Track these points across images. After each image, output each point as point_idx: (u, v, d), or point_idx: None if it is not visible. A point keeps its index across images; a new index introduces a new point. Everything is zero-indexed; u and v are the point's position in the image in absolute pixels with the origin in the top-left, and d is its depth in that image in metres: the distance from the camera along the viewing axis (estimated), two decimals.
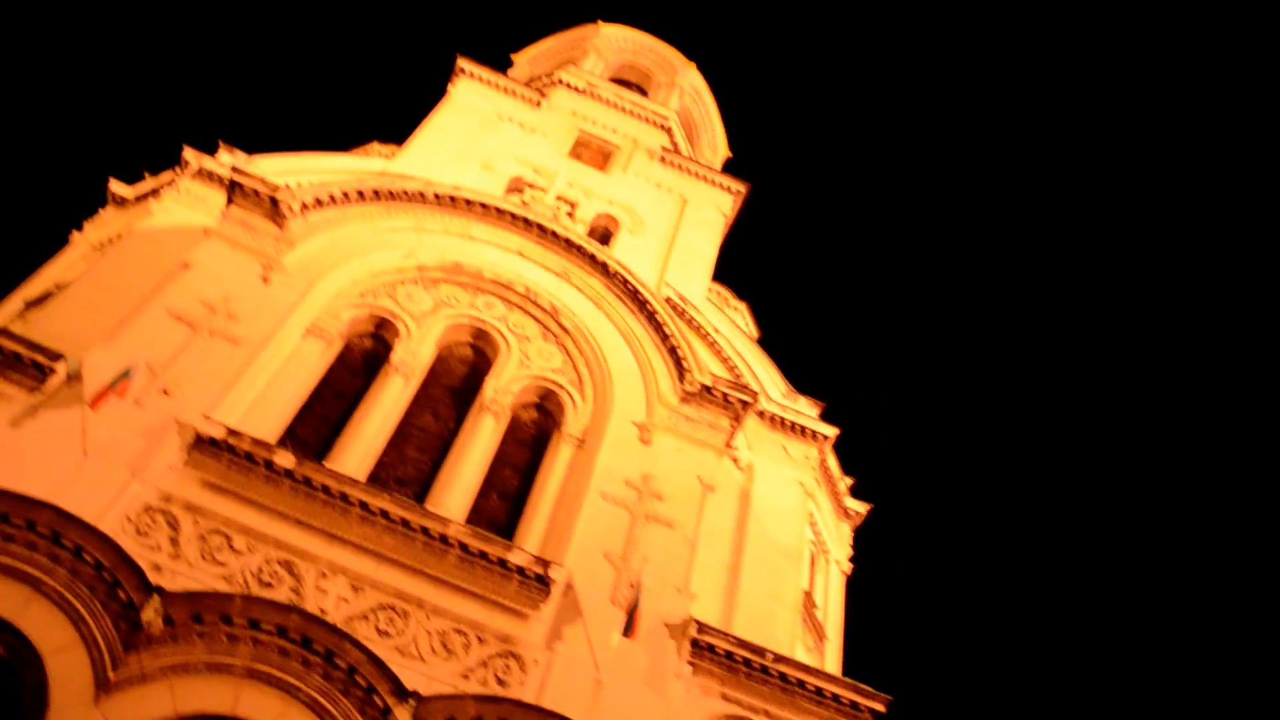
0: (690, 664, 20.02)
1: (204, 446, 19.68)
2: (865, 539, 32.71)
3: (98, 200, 32.02)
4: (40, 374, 19.82)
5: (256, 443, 20.02)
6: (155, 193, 29.69)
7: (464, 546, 19.85)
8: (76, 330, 21.91)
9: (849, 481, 31.79)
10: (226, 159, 28.13)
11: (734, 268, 44.59)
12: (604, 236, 33.20)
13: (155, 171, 31.71)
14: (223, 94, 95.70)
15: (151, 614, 16.12)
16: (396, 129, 35.58)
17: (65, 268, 28.78)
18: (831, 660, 28.00)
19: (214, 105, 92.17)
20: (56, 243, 30.32)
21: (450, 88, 37.30)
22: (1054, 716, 75.66)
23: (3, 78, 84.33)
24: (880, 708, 20.41)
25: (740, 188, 38.18)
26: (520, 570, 19.92)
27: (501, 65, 44.45)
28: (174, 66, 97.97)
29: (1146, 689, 74.84)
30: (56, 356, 20.00)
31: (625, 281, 27.69)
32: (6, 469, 17.66)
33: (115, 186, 31.90)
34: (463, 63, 37.87)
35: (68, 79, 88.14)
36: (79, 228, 30.94)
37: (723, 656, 20.28)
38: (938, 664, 75.64)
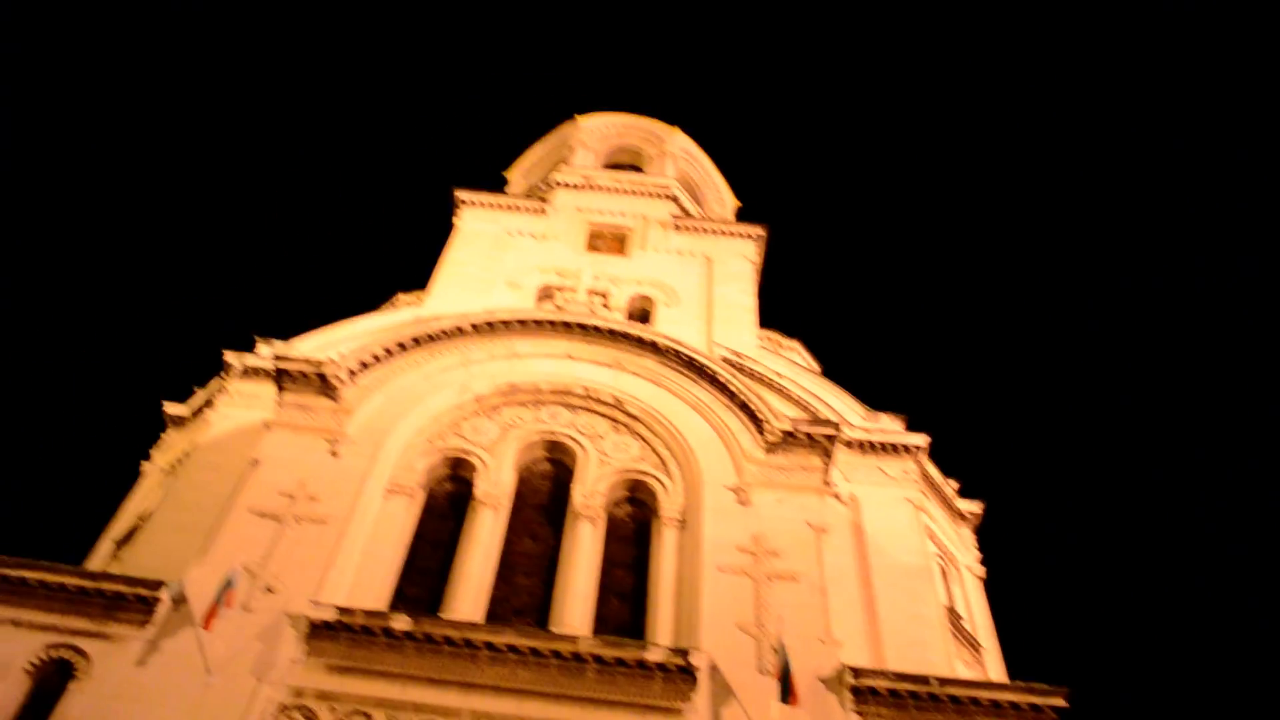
0: (857, 713, 19.33)
1: (320, 632, 19.59)
2: (992, 536, 31.88)
3: (157, 426, 32.57)
4: (146, 607, 19.88)
5: (370, 614, 19.91)
6: (209, 403, 30.16)
7: (598, 659, 19.46)
8: (169, 555, 22.10)
9: (955, 484, 31.04)
10: (266, 350, 28.60)
11: (776, 309, 44.24)
12: (643, 317, 33.24)
13: (202, 383, 32.27)
14: (244, 293, 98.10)
15: None
16: (417, 276, 36.12)
17: (143, 498, 29.14)
18: (994, 668, 27.03)
19: (240, 305, 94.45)
20: (129, 477, 30.78)
21: (455, 221, 37.90)
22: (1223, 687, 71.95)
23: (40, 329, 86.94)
24: (1060, 702, 19.51)
25: (759, 231, 38.26)
26: (660, 666, 19.47)
27: (497, 186, 45.21)
28: (190, 281, 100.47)
29: None
30: (157, 585, 20.07)
31: (677, 354, 27.53)
32: (138, 708, 17.74)
33: (170, 408, 32.47)
34: (461, 194, 38.52)
35: (98, 319, 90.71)
36: (146, 458, 31.42)
37: (886, 695, 19.58)
38: (1105, 647, 72.82)
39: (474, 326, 27.85)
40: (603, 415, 26.44)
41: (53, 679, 18.97)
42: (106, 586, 20.19)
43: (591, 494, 24.34)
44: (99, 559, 26.89)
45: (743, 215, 46.31)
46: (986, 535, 31.49)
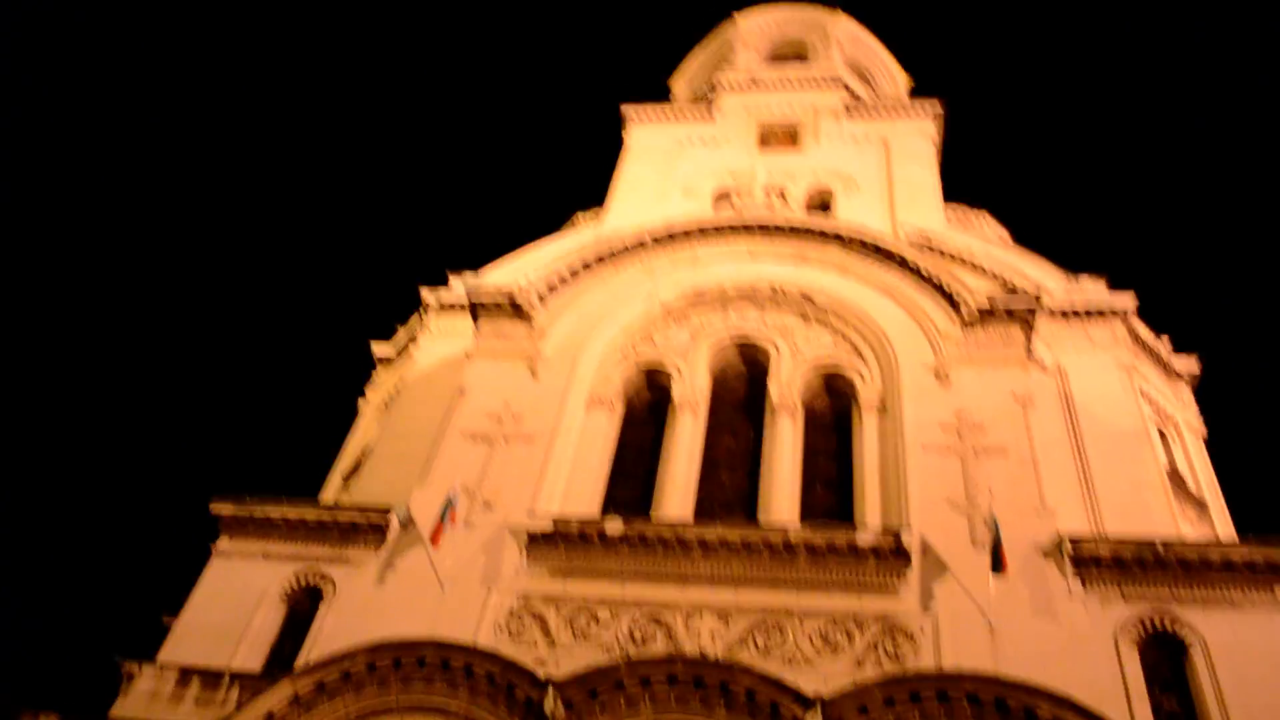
0: (1077, 578, 18.88)
1: (539, 541, 20.55)
2: (1211, 390, 30.10)
3: (366, 364, 34.46)
4: (379, 531, 21.32)
5: (584, 521, 20.73)
6: (413, 339, 31.67)
7: (809, 546, 19.67)
8: (393, 482, 23.54)
9: (1167, 340, 29.44)
10: (459, 284, 29.68)
11: (960, 181, 42.43)
12: (823, 207, 32.77)
13: (404, 319, 33.85)
14: (434, 227, 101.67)
15: (552, 704, 16.78)
16: (593, 194, 36.57)
17: (363, 434, 31.03)
18: (1222, 527, 25.81)
19: (430, 239, 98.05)
20: (348, 415, 32.77)
21: (625, 137, 38.05)
22: None
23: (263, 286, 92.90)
24: None
25: (935, 108, 36.92)
26: (873, 549, 19.52)
27: (661, 95, 45.05)
28: (384, 221, 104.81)
29: None
30: (386, 511, 21.44)
31: (861, 241, 27.01)
32: (383, 620, 19.15)
33: (377, 349, 34.26)
34: (628, 109, 38.68)
35: (301, 267, 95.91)
36: (362, 395, 33.33)
37: (1109, 561, 18.99)
38: None
39: (654, 239, 28.07)
40: (791, 310, 26.26)
41: (304, 602, 20.71)
42: (342, 516, 21.75)
43: (788, 387, 24.38)
44: (330, 492, 28.86)
45: (917, 90, 44.70)
46: (1205, 390, 29.81)
